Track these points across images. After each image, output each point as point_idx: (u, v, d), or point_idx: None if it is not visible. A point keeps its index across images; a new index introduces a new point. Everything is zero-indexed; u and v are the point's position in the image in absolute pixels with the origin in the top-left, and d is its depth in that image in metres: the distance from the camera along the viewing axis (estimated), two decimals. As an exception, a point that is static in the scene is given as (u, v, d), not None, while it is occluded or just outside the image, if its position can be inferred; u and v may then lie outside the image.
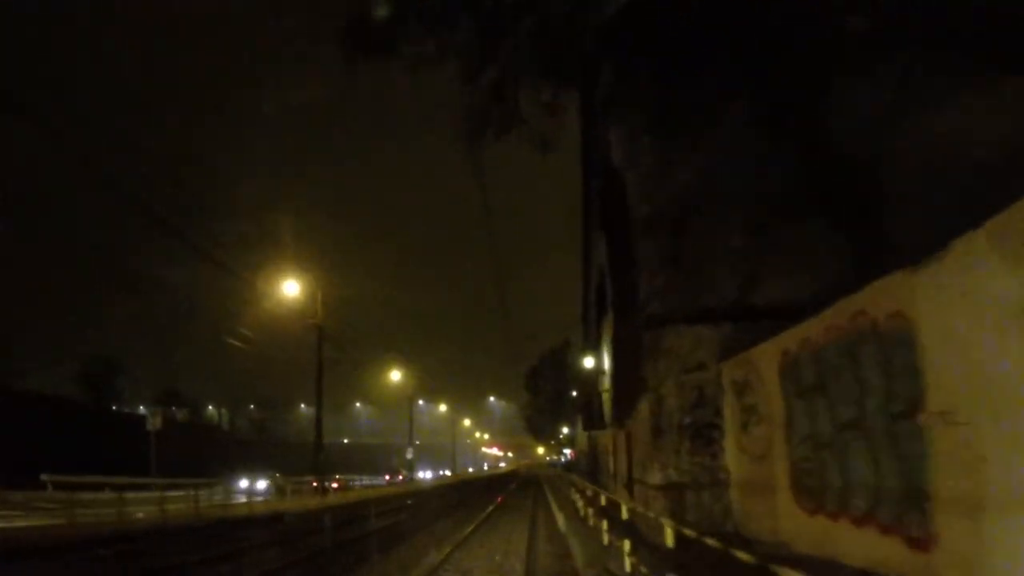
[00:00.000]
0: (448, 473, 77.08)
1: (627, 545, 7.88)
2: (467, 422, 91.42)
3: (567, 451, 78.98)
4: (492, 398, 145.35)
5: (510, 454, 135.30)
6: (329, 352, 22.61)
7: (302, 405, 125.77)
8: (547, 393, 79.15)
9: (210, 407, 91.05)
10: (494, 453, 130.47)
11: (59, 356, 58.77)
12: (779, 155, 8.37)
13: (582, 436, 59.13)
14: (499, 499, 23.61)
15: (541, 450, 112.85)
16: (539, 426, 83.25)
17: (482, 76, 10.67)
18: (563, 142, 12.63)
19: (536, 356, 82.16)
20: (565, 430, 75.72)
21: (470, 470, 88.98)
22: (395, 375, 45.03)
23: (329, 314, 22.63)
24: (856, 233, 7.74)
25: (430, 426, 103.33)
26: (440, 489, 25.51)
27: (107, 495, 16.45)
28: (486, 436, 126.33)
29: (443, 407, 69.63)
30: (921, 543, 4.10)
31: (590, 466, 28.15)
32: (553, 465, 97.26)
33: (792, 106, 8.26)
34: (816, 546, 5.79)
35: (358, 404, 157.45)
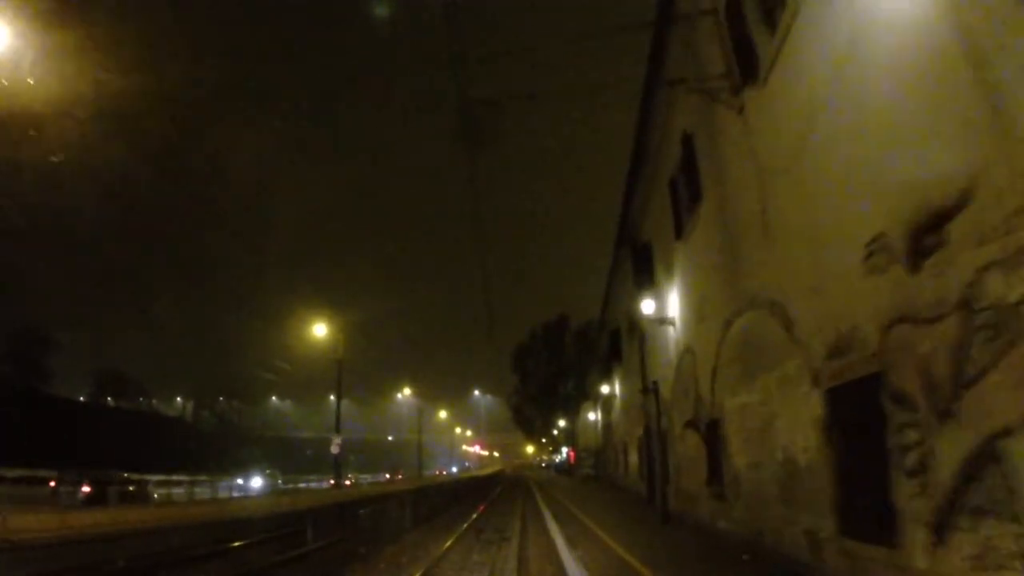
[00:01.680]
0: (388, 477, 61.92)
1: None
2: (443, 414, 76.19)
3: (564, 449, 63.96)
4: (477, 392, 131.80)
5: (496, 454, 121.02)
6: None
7: (273, 398, 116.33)
8: (539, 379, 64.02)
9: (178, 399, 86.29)
10: (476, 452, 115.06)
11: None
12: None
13: (588, 429, 43.68)
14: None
15: (531, 449, 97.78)
16: (529, 418, 68.06)
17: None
18: None
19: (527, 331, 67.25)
20: (562, 423, 60.71)
21: (441, 472, 73.48)
22: (320, 330, 30.31)
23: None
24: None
25: (408, 423, 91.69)
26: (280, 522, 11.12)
27: None
28: (468, 433, 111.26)
29: (407, 391, 54.25)
30: None
31: (647, 470, 13.31)
32: (545, 467, 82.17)
33: None
34: None
35: (331, 397, 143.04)
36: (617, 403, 23.37)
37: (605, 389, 24.97)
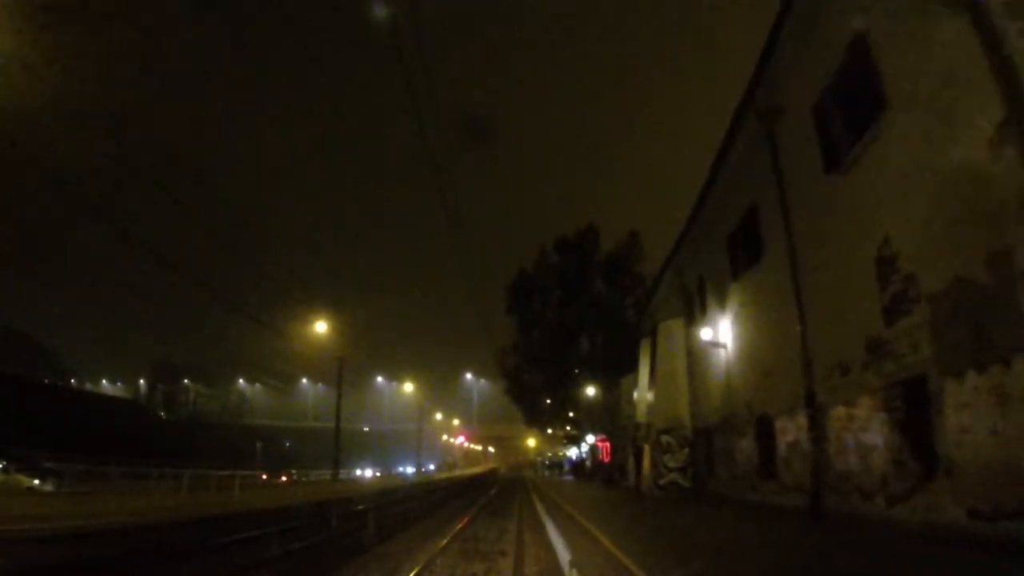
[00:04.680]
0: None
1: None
2: (408, 386, 52.21)
3: (590, 438, 39.64)
4: (469, 375, 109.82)
5: (491, 449, 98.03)
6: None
7: (240, 380, 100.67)
8: (549, 327, 39.83)
9: (141, 381, 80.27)
10: (463, 446, 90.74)
11: None
12: None
13: (670, 386, 19.05)
14: None
15: (533, 442, 73.62)
16: (531, 390, 43.54)
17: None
18: None
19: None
20: (591, 391, 36.23)
21: (373, 474, 49.58)
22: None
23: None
24: None
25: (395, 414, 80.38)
26: None
27: None
28: (456, 422, 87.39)
29: (321, 326, 30.10)
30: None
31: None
32: (553, 467, 58.32)
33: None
34: None
35: (304, 380, 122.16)
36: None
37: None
